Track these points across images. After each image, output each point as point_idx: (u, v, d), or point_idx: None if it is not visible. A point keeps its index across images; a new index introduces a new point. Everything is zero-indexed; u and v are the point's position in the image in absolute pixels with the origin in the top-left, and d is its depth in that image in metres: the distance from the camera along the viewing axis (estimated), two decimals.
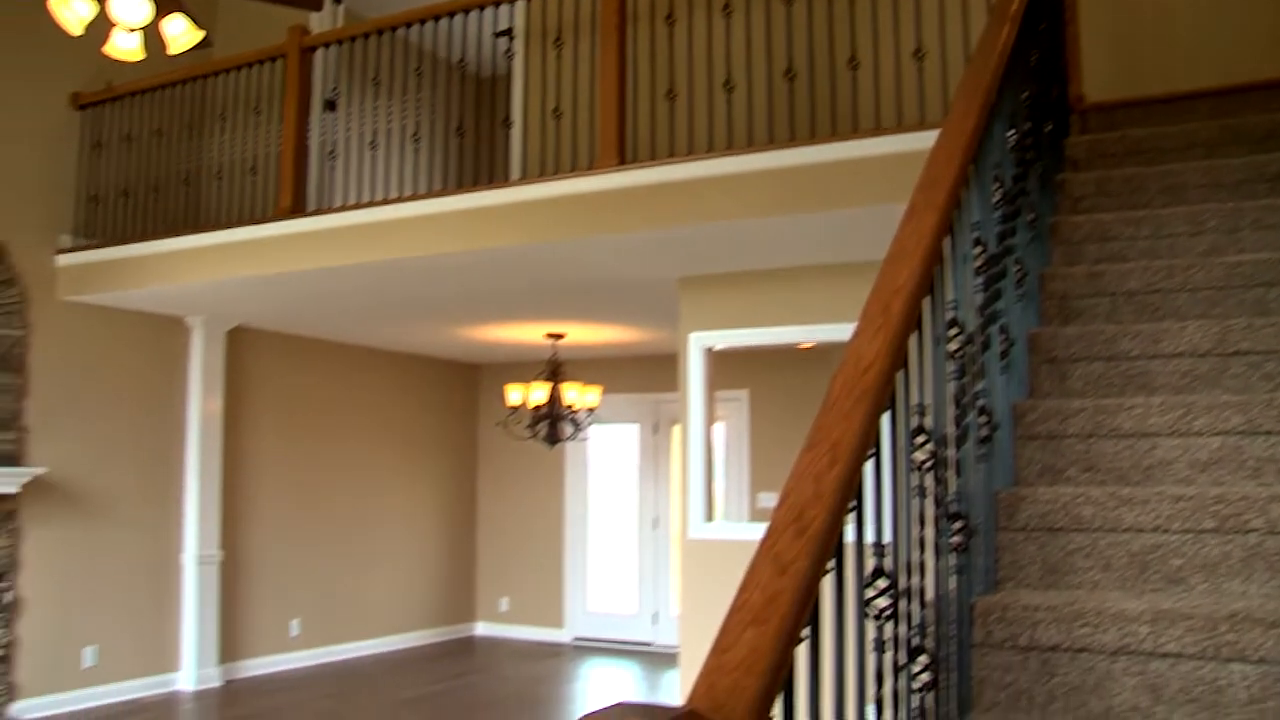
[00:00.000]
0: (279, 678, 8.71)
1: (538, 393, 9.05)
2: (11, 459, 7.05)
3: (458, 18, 6.51)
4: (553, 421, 9.10)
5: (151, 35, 4.90)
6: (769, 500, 9.15)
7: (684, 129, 5.83)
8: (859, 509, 1.87)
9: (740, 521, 8.96)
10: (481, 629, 11.29)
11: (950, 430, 2.40)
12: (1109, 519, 2.65)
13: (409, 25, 6.26)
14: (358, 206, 6.31)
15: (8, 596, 7.02)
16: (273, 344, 9.14)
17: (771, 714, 1.41)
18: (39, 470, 7.13)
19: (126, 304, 7.74)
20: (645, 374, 10.58)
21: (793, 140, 5.26)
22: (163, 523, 8.14)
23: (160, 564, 8.10)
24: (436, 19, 6.20)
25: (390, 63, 6.64)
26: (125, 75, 7.24)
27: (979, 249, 2.72)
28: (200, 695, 7.98)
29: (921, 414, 2.24)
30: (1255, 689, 2.19)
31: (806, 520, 1.65)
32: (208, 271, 6.87)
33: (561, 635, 10.84)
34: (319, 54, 6.96)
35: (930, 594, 2.28)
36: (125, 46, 4.66)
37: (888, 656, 2.02)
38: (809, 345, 6.95)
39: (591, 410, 9.36)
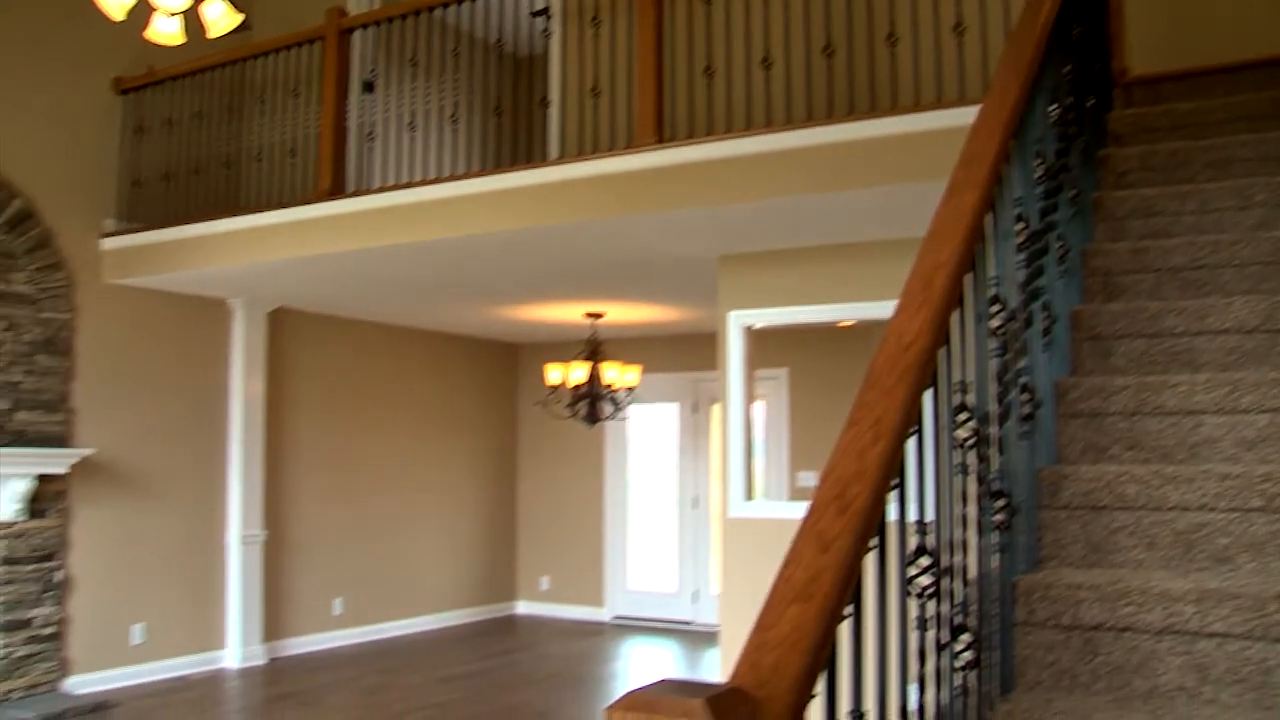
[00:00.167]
0: (322, 656, 8.81)
1: (577, 372, 9.07)
2: (60, 440, 7.15)
3: None
4: (592, 401, 9.12)
5: (191, 19, 4.94)
6: (808, 479, 9.14)
7: (722, 107, 5.81)
8: (901, 486, 1.86)
9: (780, 500, 8.96)
10: (522, 608, 11.36)
11: (992, 408, 2.39)
12: (1154, 497, 2.63)
13: (446, 6, 6.25)
14: (396, 187, 6.34)
15: (58, 575, 7.14)
16: (314, 325, 9.21)
17: (814, 691, 1.42)
18: (87, 451, 7.23)
19: (169, 286, 7.82)
20: (684, 353, 10.58)
21: (831, 117, 5.23)
22: (207, 503, 8.24)
23: (205, 543, 8.21)
24: None
25: (428, 43, 6.65)
26: (166, 60, 7.29)
27: (1021, 225, 2.70)
28: (246, 673, 8.09)
29: (964, 391, 2.23)
30: None
31: (849, 498, 1.65)
32: (248, 253, 6.93)
33: (601, 614, 10.89)
34: (357, 35, 6.98)
35: (972, 572, 2.27)
36: (166, 31, 4.70)
37: (930, 635, 2.02)
38: (849, 323, 6.93)
39: (631, 389, 9.37)
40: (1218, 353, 3.09)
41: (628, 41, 6.02)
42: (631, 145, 5.63)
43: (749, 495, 6.34)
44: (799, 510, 1.75)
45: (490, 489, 11.17)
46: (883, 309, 5.81)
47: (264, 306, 8.57)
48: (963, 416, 2.22)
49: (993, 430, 2.38)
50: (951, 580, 2.11)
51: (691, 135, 5.67)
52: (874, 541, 1.71)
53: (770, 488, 9.33)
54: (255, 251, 6.89)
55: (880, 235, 5.95)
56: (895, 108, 5.11)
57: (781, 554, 1.60)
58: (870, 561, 1.70)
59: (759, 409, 9.28)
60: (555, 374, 9.12)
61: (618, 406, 9.26)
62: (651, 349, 10.65)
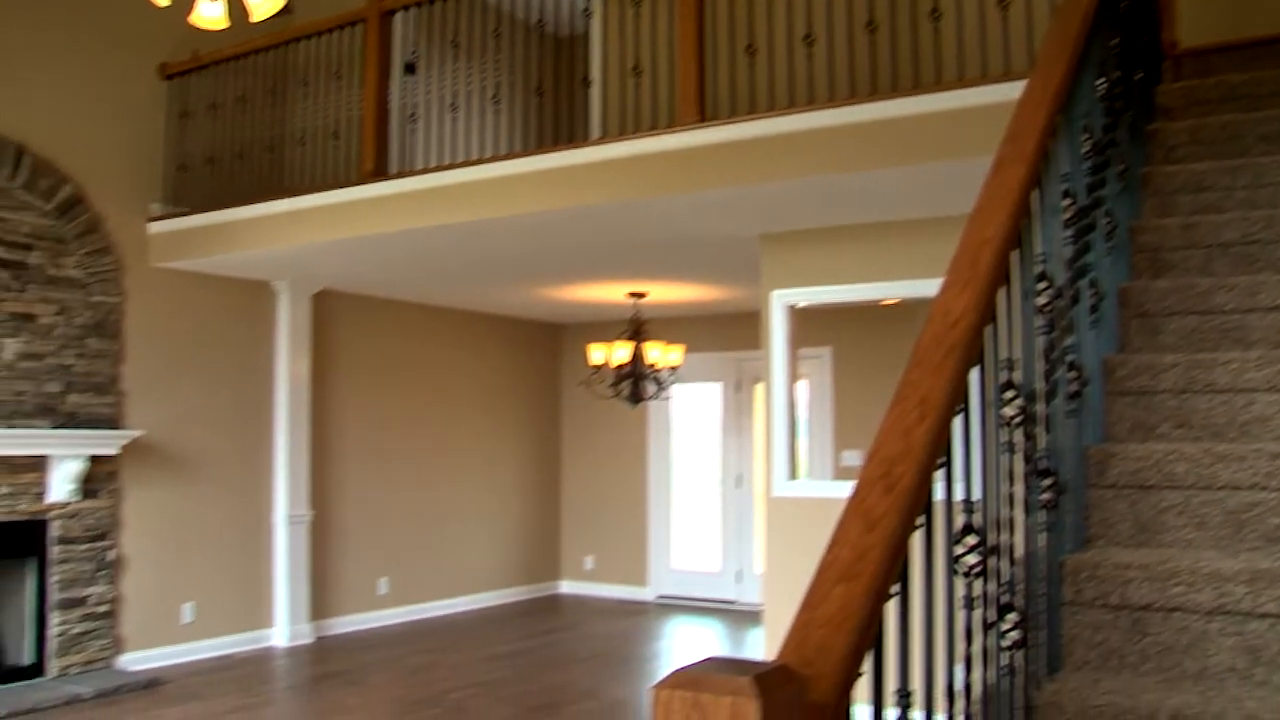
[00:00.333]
0: (368, 635, 8.90)
1: (620, 352, 9.08)
2: (111, 422, 7.26)
3: None
4: (635, 380, 9.13)
5: (235, 3, 4.97)
6: (852, 458, 9.11)
7: (764, 84, 5.77)
8: (948, 465, 1.85)
9: (824, 479, 8.94)
10: (566, 587, 11.41)
11: (1039, 385, 2.37)
12: (1203, 476, 2.60)
13: None
14: (439, 169, 6.35)
15: (111, 554, 7.26)
16: (357, 306, 9.27)
17: (861, 670, 1.41)
18: (137, 433, 7.33)
19: (215, 270, 7.90)
20: (727, 332, 10.56)
21: (874, 94, 5.18)
22: (254, 483, 8.33)
23: (252, 523, 8.30)
24: None
25: (469, 24, 6.66)
26: (210, 44, 7.35)
27: (1068, 201, 2.67)
28: (293, 651, 8.19)
29: (1010, 369, 2.21)
30: None
31: (895, 476, 1.64)
32: (293, 236, 6.98)
33: (645, 593, 10.92)
34: (398, 17, 6.99)
35: (1019, 551, 2.26)
36: (210, 15, 4.73)
37: (977, 614, 2.01)
38: (892, 302, 6.88)
39: (674, 369, 9.37)
40: (1270, 330, 3.05)
41: (669, 20, 5.99)
42: (673, 124, 5.61)
43: (793, 474, 6.33)
44: (842, 489, 1.74)
45: (534, 469, 11.22)
46: (927, 287, 5.76)
47: (308, 289, 8.63)
48: (1009, 394, 2.20)
49: (1039, 408, 2.37)
50: (998, 559, 2.10)
51: (733, 114, 5.64)
52: (920, 520, 1.70)
53: (814, 467, 9.30)
54: (299, 234, 6.94)
55: (924, 213, 5.90)
56: (939, 84, 5.06)
57: (825, 533, 1.60)
58: (917, 540, 1.69)
59: (802, 388, 9.25)
60: (598, 354, 9.13)
61: (661, 386, 9.27)
62: (694, 328, 10.64)
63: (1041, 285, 2.42)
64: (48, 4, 7.09)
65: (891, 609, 1.56)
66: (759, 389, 10.13)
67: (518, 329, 11.10)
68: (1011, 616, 2.10)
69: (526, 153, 6.10)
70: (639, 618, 9.97)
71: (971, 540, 1.96)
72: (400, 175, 6.54)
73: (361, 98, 6.89)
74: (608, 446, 11.26)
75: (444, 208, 6.29)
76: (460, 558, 10.23)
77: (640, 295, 9.19)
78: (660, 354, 9.19)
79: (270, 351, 8.48)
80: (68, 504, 6.99)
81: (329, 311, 8.96)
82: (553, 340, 11.56)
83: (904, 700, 1.64)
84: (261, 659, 7.92)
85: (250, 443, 8.31)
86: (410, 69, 7.29)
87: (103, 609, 7.20)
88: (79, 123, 7.23)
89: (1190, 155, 4.00)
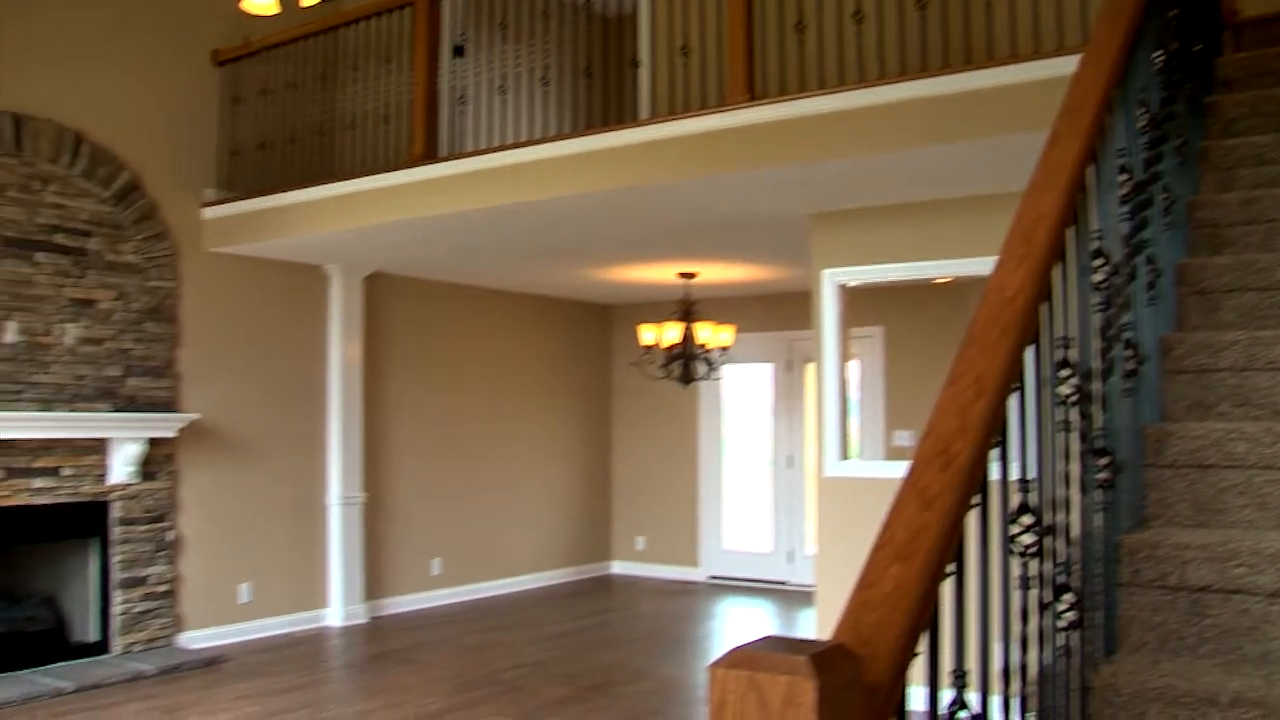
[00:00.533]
0: (422, 615, 8.99)
1: (671, 332, 9.08)
2: (168, 405, 7.37)
3: None
4: (686, 361, 9.13)
5: None
6: (904, 438, 9.05)
7: (814, 62, 5.73)
8: (1003, 443, 1.83)
9: (876, 459, 8.90)
10: (617, 567, 11.46)
11: (1095, 363, 2.34)
12: (1265, 455, 2.55)
13: None
14: (489, 151, 6.37)
15: (170, 535, 7.38)
16: (409, 289, 9.33)
17: (917, 650, 1.41)
18: (193, 416, 7.44)
19: (268, 254, 7.98)
20: (778, 312, 10.52)
21: (925, 71, 5.13)
22: (308, 465, 8.43)
23: (307, 505, 8.40)
24: None
25: (517, 6, 6.66)
26: (261, 30, 7.41)
27: (1124, 176, 2.63)
28: (348, 631, 8.29)
29: (1066, 347, 2.18)
30: None
31: (951, 454, 1.63)
32: (344, 220, 7.03)
33: (696, 574, 10.94)
34: (446, 1, 7.01)
35: (1076, 531, 2.24)
36: (261, 2, 4.77)
37: (1032, 594, 1.99)
38: (945, 280, 6.82)
39: (725, 349, 9.36)
40: None
41: None
42: (722, 104, 5.59)
43: (844, 454, 6.30)
44: (895, 469, 1.74)
45: (585, 450, 11.26)
46: (979, 265, 5.71)
47: (360, 272, 8.70)
48: (1065, 372, 2.18)
49: (1095, 386, 2.34)
50: (1054, 539, 2.08)
51: (783, 92, 5.60)
52: (976, 499, 1.69)
53: (866, 447, 9.26)
54: (350, 217, 6.99)
55: (977, 190, 5.84)
56: (991, 59, 4.99)
57: (877, 513, 1.59)
58: (972, 520, 1.68)
59: (854, 367, 9.21)
60: (649, 335, 9.14)
61: (711, 366, 9.26)
62: (745, 308, 10.61)
63: (1098, 262, 2.39)
64: None
65: (947, 589, 1.55)
66: (810, 369, 10.09)
67: (569, 310, 11.13)
68: (1068, 597, 2.09)
69: (575, 134, 6.09)
70: (690, 598, 10.00)
71: (1027, 520, 1.95)
72: (450, 158, 6.57)
73: (411, 81, 6.92)
74: (659, 427, 11.27)
75: (494, 190, 6.31)
76: (512, 539, 10.29)
77: (690, 275, 9.18)
78: (711, 334, 9.18)
79: (323, 334, 8.56)
80: (128, 485, 7.11)
81: (380, 294, 9.03)
82: (603, 321, 11.58)
83: (959, 681, 1.64)
84: (318, 638, 8.03)
85: (303, 425, 8.40)
86: (459, 51, 7.31)
87: (163, 588, 7.33)
88: (134, 110, 7.33)
89: (1251, 128, 3.92)
